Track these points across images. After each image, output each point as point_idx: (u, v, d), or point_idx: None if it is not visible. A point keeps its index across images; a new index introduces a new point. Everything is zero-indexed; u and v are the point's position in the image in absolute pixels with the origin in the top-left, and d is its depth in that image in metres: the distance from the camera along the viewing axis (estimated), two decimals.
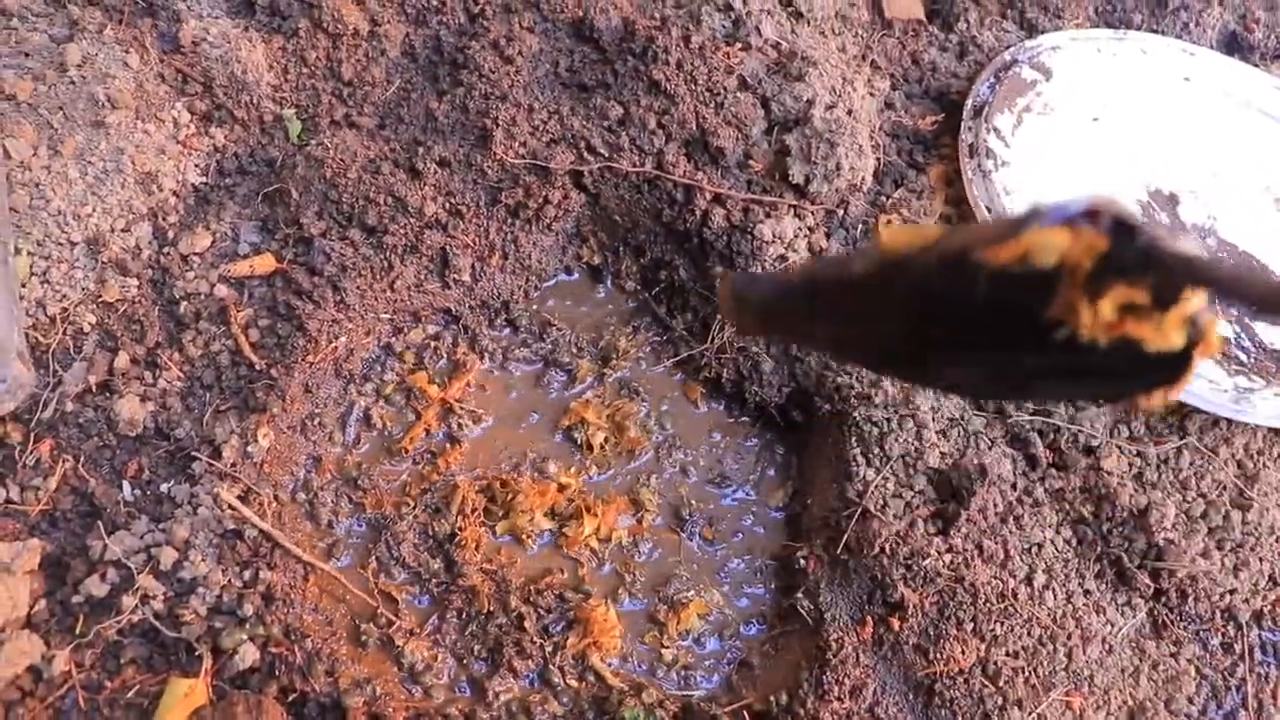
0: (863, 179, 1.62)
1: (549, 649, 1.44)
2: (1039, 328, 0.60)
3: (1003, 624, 1.41)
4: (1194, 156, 1.79)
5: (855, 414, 1.53)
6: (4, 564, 1.35)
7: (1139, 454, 1.54)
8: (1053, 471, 1.52)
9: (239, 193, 1.63)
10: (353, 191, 1.56)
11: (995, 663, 1.39)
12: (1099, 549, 1.49)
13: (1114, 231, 0.57)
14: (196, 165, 1.63)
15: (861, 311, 0.73)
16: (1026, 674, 1.40)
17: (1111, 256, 0.57)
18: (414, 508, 1.53)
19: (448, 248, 1.59)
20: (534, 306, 1.72)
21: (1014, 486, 1.50)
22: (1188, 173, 1.77)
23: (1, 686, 1.30)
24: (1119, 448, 1.53)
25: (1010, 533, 1.47)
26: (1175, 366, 0.60)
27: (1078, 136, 1.74)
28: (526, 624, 1.45)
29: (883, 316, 0.71)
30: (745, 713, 1.40)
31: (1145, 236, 0.56)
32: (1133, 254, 0.57)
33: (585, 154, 1.60)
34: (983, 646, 1.40)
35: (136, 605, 1.35)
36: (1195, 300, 0.57)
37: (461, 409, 1.61)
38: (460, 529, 1.50)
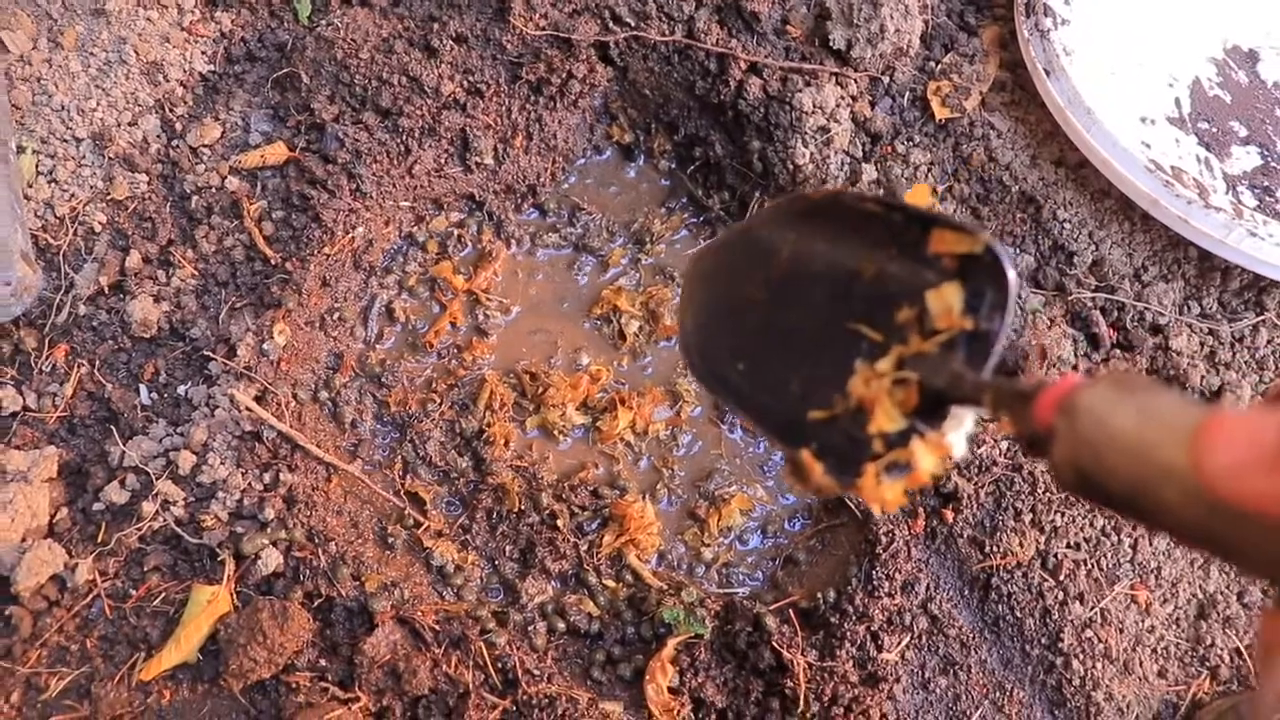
0: (909, 42, 1.50)
1: (584, 548, 1.39)
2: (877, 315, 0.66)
3: (1063, 515, 1.33)
4: (1277, 8, 1.65)
5: None
6: (21, 473, 1.31)
7: (1211, 332, 1.43)
8: (1117, 352, 1.43)
9: (248, 80, 1.55)
10: (365, 73, 1.48)
11: (1055, 555, 1.32)
12: None
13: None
14: (203, 53, 1.55)
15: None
16: (1089, 567, 1.32)
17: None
18: (440, 404, 1.46)
19: (468, 129, 1.50)
20: (562, 189, 1.64)
21: (1075, 368, 1.41)
22: (1269, 27, 1.63)
23: (27, 596, 1.28)
24: (1189, 325, 1.42)
25: None
26: (862, 458, 0.63)
27: None
28: (560, 522, 1.39)
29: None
30: (791, 610, 1.34)
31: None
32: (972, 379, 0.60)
33: (610, 23, 1.50)
34: (1042, 538, 1.33)
35: (157, 511, 1.31)
36: (925, 451, 0.61)
37: (488, 299, 1.54)
38: (489, 425, 1.44)
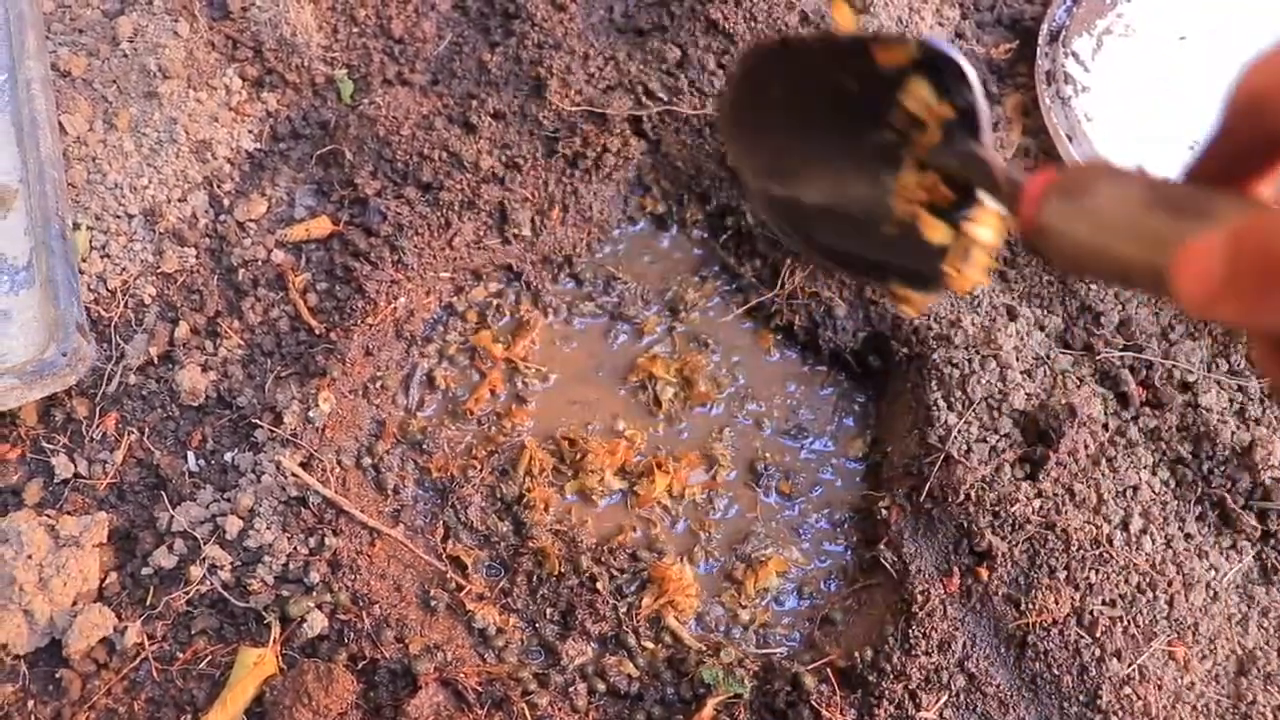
0: None
1: (623, 610, 1.40)
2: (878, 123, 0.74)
3: (1098, 572, 1.34)
4: None
5: (934, 356, 1.46)
6: (73, 538, 1.34)
7: (1240, 388, 1.45)
8: (1147, 410, 1.44)
9: (293, 156, 1.60)
10: (407, 149, 1.53)
11: (1091, 612, 1.32)
12: (1199, 490, 1.40)
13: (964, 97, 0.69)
14: (250, 131, 1.61)
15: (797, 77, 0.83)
16: (1125, 624, 1.33)
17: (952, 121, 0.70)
18: (481, 470, 1.49)
19: (506, 202, 1.55)
20: (597, 259, 1.67)
21: (1105, 427, 1.43)
22: None
23: (77, 659, 1.30)
24: (1218, 382, 1.44)
25: (1103, 475, 1.39)
26: (936, 264, 0.71)
27: (1163, 58, 1.65)
28: (599, 585, 1.41)
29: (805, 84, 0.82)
30: (829, 670, 1.35)
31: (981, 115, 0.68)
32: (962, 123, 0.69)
33: (643, 99, 1.55)
34: (1077, 596, 1.33)
35: (204, 575, 1.34)
36: (980, 226, 0.68)
37: (526, 367, 1.57)
38: (528, 490, 1.47)
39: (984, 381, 1.43)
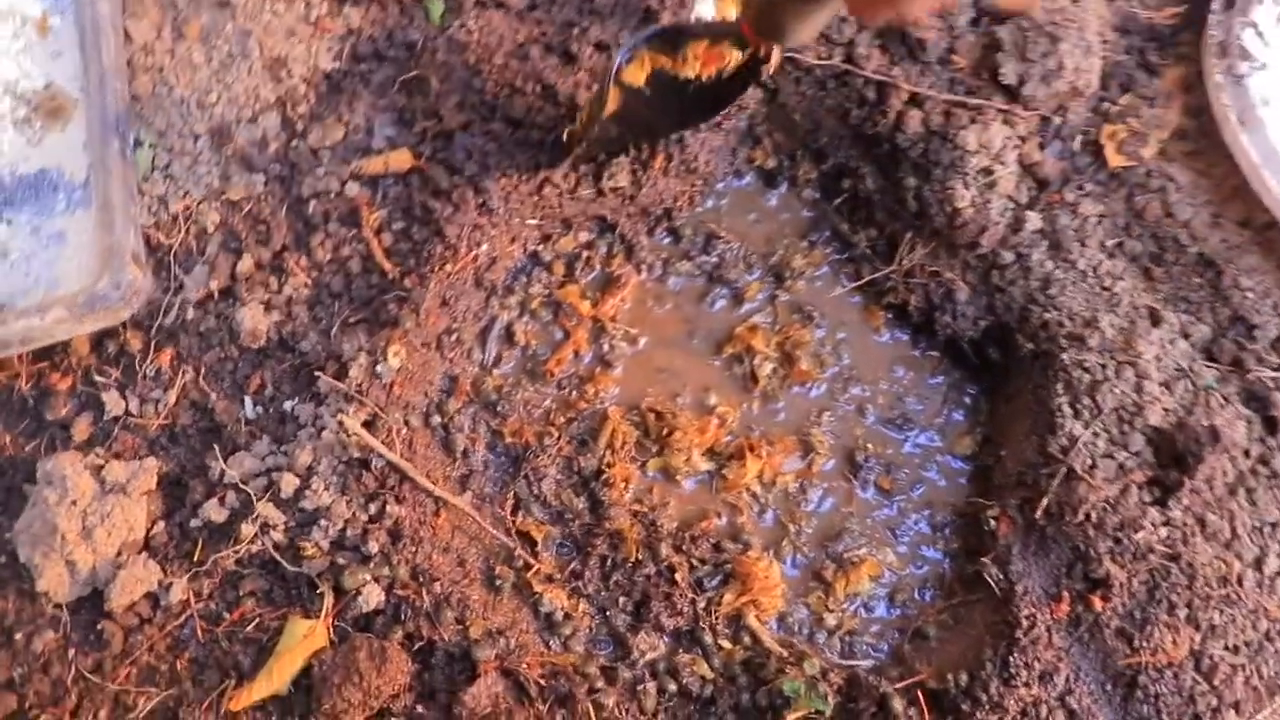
0: (1087, 82, 1.39)
1: (701, 605, 1.31)
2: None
3: (1223, 613, 1.23)
4: None
5: (1064, 356, 1.34)
6: (120, 484, 1.27)
7: None
8: None
9: (374, 80, 1.47)
10: (498, 79, 1.40)
11: (1211, 657, 1.21)
12: None
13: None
14: (329, 49, 1.48)
15: None
16: (1248, 673, 1.22)
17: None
18: (558, 438, 1.39)
19: None
20: (698, 214, 1.54)
21: (1247, 454, 1.30)
22: None
23: (120, 612, 1.24)
24: None
25: (1240, 508, 1.27)
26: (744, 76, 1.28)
27: None
28: (678, 575, 1.31)
29: None
30: (919, 691, 1.25)
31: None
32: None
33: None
34: (1197, 637, 1.22)
35: (256, 534, 1.26)
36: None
37: (615, 328, 1.46)
38: (608, 465, 1.37)
39: (1117, 390, 1.30)
